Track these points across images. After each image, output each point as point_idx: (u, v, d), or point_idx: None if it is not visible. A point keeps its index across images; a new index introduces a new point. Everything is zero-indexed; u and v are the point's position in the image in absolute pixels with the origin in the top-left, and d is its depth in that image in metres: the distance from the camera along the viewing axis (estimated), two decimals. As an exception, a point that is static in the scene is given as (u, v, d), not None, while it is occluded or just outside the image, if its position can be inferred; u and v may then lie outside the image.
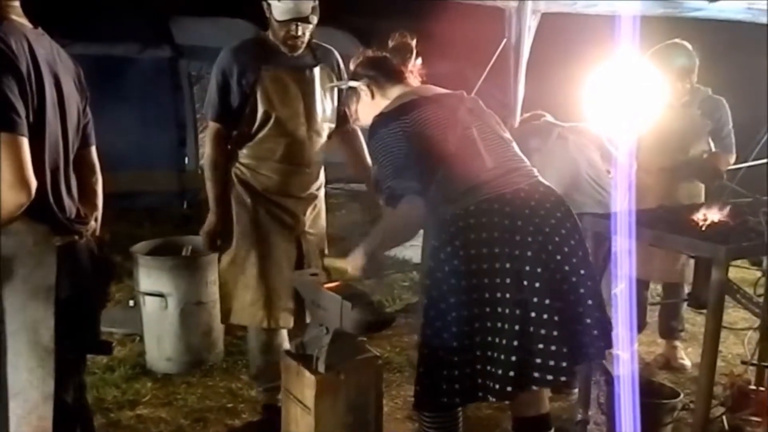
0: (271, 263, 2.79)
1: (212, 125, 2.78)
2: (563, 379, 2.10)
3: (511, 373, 2.00)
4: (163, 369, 3.54)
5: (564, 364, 2.03)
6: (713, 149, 3.56)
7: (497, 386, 2.02)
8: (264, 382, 2.95)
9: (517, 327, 2.00)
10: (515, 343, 2.00)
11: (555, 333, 2.02)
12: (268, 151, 2.76)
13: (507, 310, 2.02)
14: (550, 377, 2.03)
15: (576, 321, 2.09)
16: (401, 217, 2.09)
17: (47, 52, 1.75)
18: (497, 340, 2.03)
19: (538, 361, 2.01)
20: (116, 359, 3.65)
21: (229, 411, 3.18)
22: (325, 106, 2.82)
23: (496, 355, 2.03)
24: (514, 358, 2.00)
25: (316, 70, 2.79)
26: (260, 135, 2.74)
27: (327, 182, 3.00)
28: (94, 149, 2.03)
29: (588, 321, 2.10)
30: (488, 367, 2.04)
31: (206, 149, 2.80)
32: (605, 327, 2.18)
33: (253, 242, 2.79)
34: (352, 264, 2.15)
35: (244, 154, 2.79)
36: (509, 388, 2.02)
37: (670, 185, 3.51)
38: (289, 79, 2.73)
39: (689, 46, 3.50)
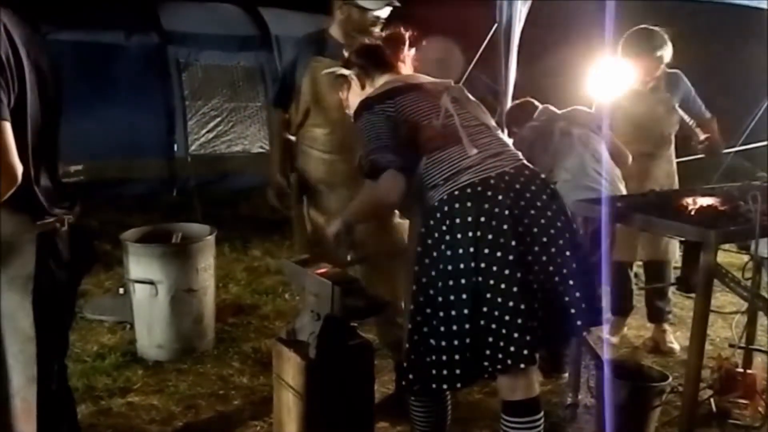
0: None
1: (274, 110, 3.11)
2: (531, 354, 2.06)
3: (502, 354, 2.02)
4: (153, 356, 3.54)
5: (529, 339, 2.02)
6: (689, 121, 3.56)
7: (499, 366, 2.05)
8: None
9: (510, 304, 2.01)
10: (507, 318, 2.01)
11: (524, 311, 2.02)
12: (313, 140, 2.91)
13: (495, 292, 2.02)
14: (526, 352, 2.02)
15: (556, 300, 2.11)
16: (380, 190, 2.13)
17: (23, 34, 1.72)
18: (486, 322, 2.03)
19: (516, 335, 2.01)
20: (107, 347, 3.66)
21: (221, 398, 3.18)
22: None
23: (487, 337, 2.04)
24: (516, 335, 2.01)
25: None
26: (307, 122, 2.90)
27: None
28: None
29: (567, 299, 2.11)
30: (485, 351, 2.05)
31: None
32: (588, 306, 2.17)
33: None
34: (329, 230, 2.30)
35: (296, 141, 2.99)
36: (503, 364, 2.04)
37: (651, 169, 3.59)
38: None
39: (662, 31, 3.46)
